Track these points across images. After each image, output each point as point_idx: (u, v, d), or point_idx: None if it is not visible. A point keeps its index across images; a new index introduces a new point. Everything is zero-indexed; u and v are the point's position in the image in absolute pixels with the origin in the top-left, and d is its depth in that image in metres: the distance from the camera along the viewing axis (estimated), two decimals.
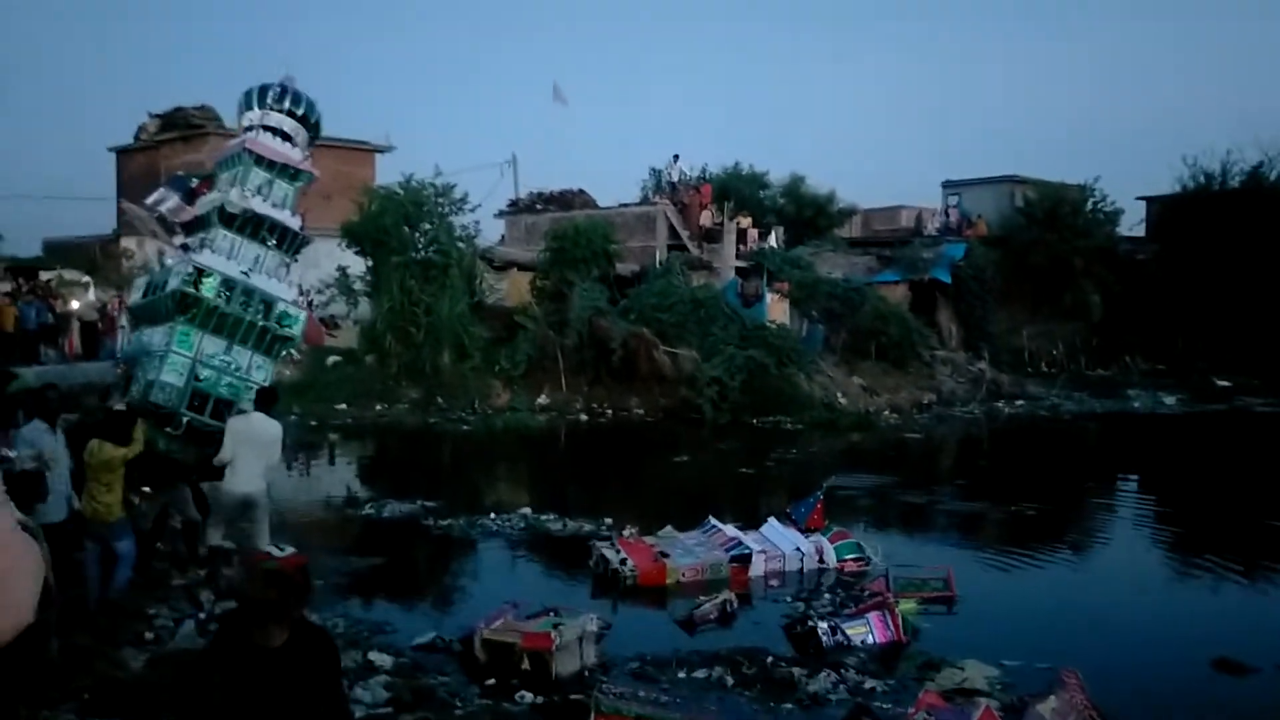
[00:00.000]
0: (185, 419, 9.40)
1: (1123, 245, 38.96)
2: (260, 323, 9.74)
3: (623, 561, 10.74)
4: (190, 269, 9.41)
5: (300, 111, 10.30)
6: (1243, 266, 34.11)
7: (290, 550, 3.67)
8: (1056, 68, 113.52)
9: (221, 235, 9.70)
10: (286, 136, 10.23)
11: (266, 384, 9.92)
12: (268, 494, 9.68)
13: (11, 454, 7.88)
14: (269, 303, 9.76)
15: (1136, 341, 36.10)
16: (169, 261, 10.50)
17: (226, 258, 9.62)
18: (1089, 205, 37.88)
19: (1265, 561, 13.04)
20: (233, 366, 9.60)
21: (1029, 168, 41.78)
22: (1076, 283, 36.19)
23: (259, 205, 9.83)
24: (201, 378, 9.45)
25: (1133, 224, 41.04)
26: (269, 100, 10.18)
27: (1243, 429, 25.66)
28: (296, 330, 9.99)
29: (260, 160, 9.93)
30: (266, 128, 10.14)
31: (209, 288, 9.33)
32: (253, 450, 9.11)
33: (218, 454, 9.12)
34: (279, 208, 10.07)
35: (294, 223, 10.08)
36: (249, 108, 10.25)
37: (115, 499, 8.61)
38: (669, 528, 11.97)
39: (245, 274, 9.66)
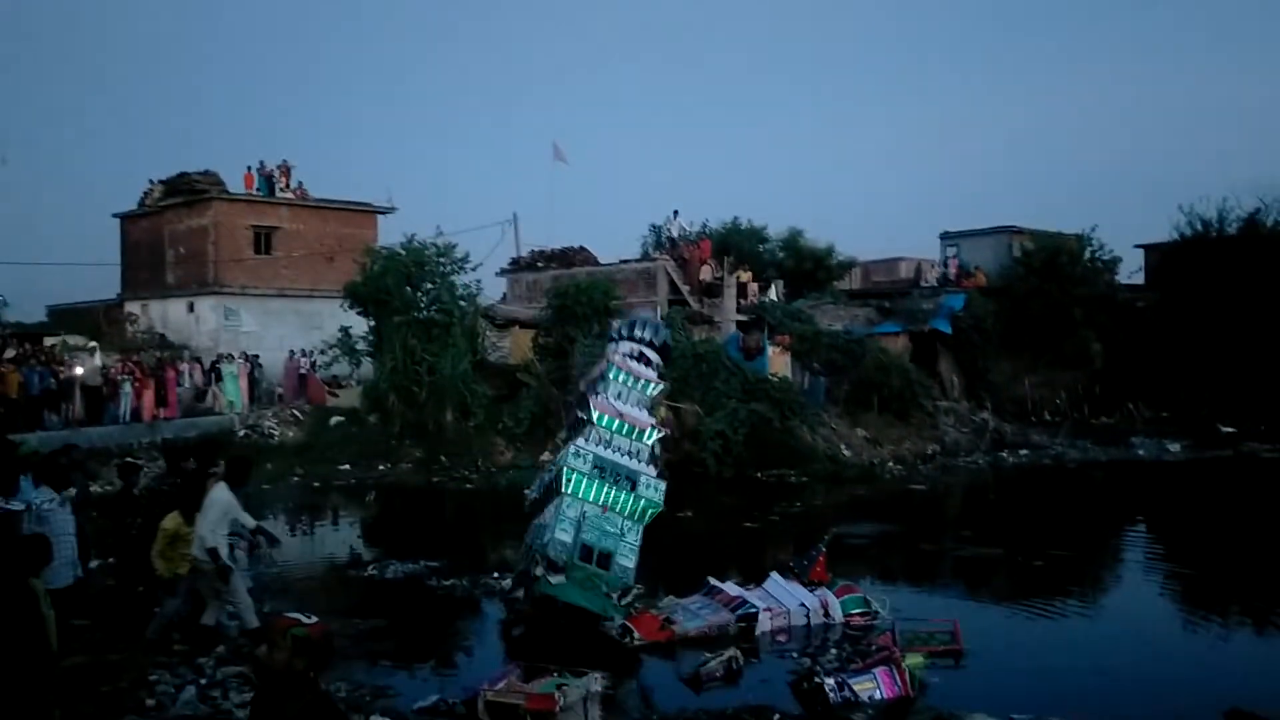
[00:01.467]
0: (577, 570, 11.21)
1: (1122, 293, 39.03)
2: (626, 493, 11.65)
3: (627, 634, 10.64)
4: (572, 452, 11.59)
5: (654, 339, 13.13)
6: (1243, 312, 34.15)
7: (315, 619, 3.69)
8: (1051, 118, 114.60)
9: (594, 428, 11.85)
10: (645, 358, 12.87)
11: (636, 544, 11.67)
12: (229, 557, 9.77)
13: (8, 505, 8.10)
14: (632, 477, 11.72)
15: (1139, 389, 36.01)
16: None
17: (597, 444, 11.75)
18: (1087, 254, 38.02)
19: (1276, 609, 12.95)
20: (608, 527, 11.53)
21: (1026, 218, 41.94)
22: (1077, 331, 36.21)
23: (619, 405, 12.12)
24: (586, 537, 11.37)
25: (1131, 272, 41.13)
26: (631, 332, 13.11)
27: (1249, 475, 25.55)
28: (657, 497, 11.85)
29: (624, 373, 12.51)
30: (631, 355, 12.78)
31: (584, 465, 11.47)
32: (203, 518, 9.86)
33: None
34: (635, 407, 12.29)
35: (645, 419, 12.23)
36: (618, 338, 13.17)
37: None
38: (670, 598, 11.80)
39: (612, 456, 11.81)
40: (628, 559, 11.48)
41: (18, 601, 6.27)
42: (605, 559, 11.40)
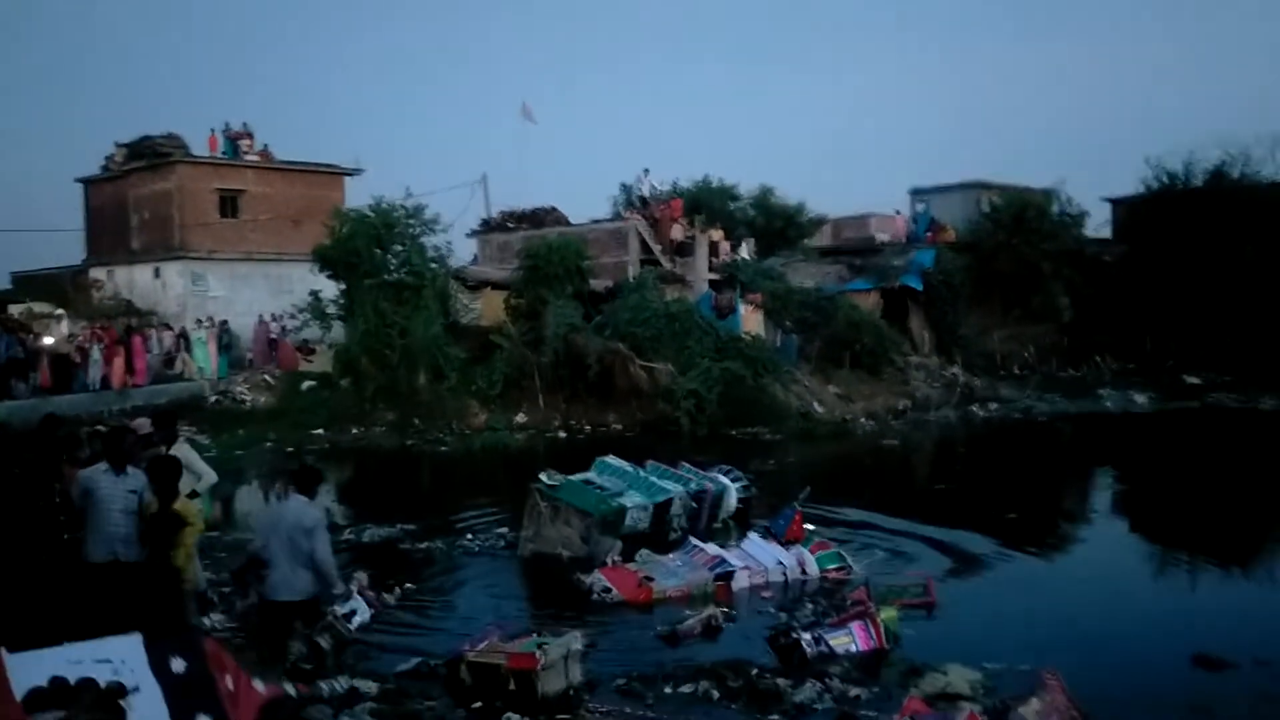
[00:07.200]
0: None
1: (1090, 247, 39.27)
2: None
3: (605, 590, 10.80)
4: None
5: None
6: (1208, 264, 34.50)
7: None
8: (1019, 73, 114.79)
9: None
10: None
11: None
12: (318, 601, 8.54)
13: None
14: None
15: (1106, 342, 36.41)
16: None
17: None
18: (1055, 208, 38.19)
19: (1241, 556, 13.24)
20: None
21: (995, 173, 42.09)
22: (1045, 285, 36.47)
23: None
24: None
25: (1098, 225, 41.33)
26: None
27: (1215, 426, 25.95)
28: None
29: None
30: None
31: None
32: (282, 544, 8.24)
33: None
34: None
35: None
36: None
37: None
38: (646, 550, 11.99)
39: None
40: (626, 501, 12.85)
41: None
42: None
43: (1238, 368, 32.48)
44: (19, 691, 4.78)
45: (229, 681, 5.55)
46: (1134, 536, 14.95)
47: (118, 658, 5.29)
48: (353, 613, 9.47)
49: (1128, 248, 38.53)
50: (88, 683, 4.84)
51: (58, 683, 4.79)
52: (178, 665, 5.32)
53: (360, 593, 9.88)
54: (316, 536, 8.01)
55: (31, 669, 4.94)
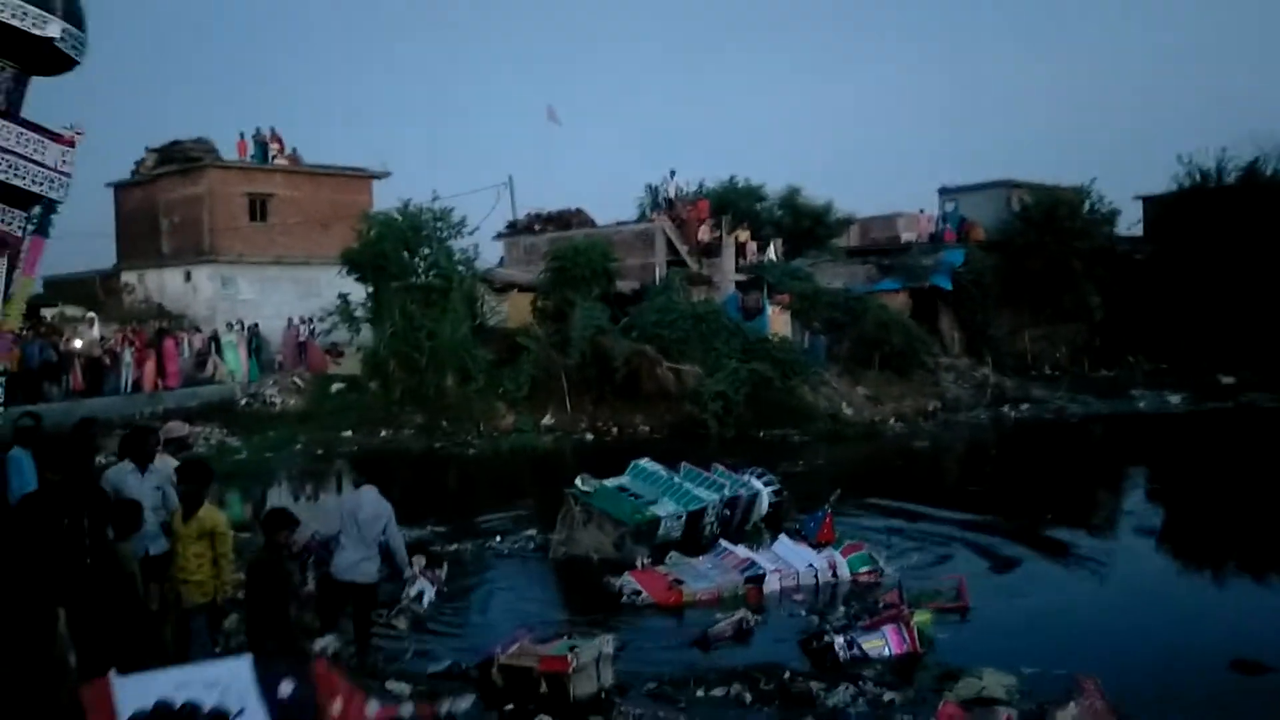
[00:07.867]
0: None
1: (1121, 245, 38.90)
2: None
3: (635, 593, 10.78)
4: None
5: None
6: (1241, 262, 34.09)
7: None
8: (1049, 71, 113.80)
9: None
10: None
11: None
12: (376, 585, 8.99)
13: None
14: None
15: (1138, 341, 36.06)
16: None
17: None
18: (1086, 207, 37.85)
19: (1276, 560, 13.05)
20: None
21: (1025, 171, 41.72)
22: (1076, 285, 36.14)
23: None
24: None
25: (1130, 224, 40.93)
26: None
27: (1250, 426, 25.60)
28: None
29: None
30: None
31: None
32: (355, 530, 8.79)
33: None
34: None
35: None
36: None
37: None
38: (676, 553, 11.98)
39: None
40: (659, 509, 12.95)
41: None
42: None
43: (1270, 367, 32.07)
44: (123, 715, 4.81)
45: (338, 705, 5.54)
46: (1170, 538, 14.74)
47: (225, 681, 5.28)
48: (420, 594, 10.51)
49: (1160, 246, 38.12)
50: (190, 708, 4.86)
51: (161, 707, 4.82)
52: (286, 688, 5.33)
53: (421, 573, 10.83)
54: (391, 524, 8.80)
55: (138, 692, 4.98)
